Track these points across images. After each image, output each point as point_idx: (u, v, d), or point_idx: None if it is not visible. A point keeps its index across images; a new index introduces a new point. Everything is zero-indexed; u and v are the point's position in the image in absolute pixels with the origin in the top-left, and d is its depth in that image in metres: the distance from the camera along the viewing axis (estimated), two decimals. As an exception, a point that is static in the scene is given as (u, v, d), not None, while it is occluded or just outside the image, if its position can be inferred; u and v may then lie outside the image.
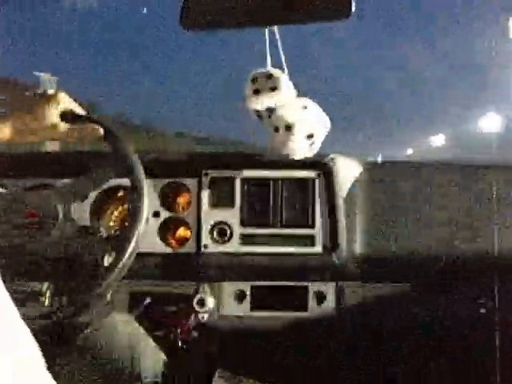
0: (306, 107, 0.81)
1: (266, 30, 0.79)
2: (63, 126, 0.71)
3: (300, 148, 0.82)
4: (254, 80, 0.80)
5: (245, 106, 0.82)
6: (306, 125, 0.80)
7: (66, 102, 0.71)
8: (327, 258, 0.96)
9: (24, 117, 0.68)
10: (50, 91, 0.71)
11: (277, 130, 0.80)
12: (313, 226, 0.97)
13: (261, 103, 0.79)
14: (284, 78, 0.80)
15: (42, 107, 0.69)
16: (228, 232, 0.98)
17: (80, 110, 0.74)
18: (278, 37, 0.79)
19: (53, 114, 0.69)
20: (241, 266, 0.99)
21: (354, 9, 0.73)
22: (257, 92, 0.79)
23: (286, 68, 0.80)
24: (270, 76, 0.79)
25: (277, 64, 0.80)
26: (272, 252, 0.98)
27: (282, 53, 0.79)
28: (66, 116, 0.72)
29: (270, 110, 0.80)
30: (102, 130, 0.74)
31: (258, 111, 0.81)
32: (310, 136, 0.81)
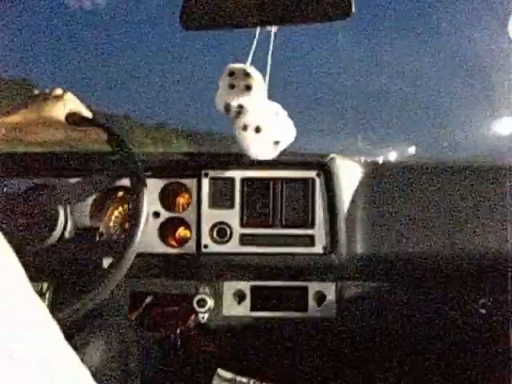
0: (277, 113, 0.82)
1: (258, 28, 0.79)
2: (68, 127, 0.71)
3: (264, 152, 0.83)
4: (231, 74, 0.80)
5: (215, 96, 0.82)
6: (274, 131, 0.81)
7: (72, 104, 0.71)
8: (327, 258, 0.96)
9: (30, 115, 0.68)
10: (58, 92, 0.71)
11: (245, 128, 0.81)
12: (313, 226, 0.97)
13: (233, 99, 0.80)
14: (260, 79, 0.80)
15: (48, 107, 0.69)
16: (228, 232, 0.98)
17: (86, 112, 0.74)
18: (272, 37, 0.79)
19: (59, 115, 0.69)
20: (241, 266, 0.99)
21: (354, 9, 0.73)
22: (231, 87, 0.80)
23: (268, 70, 0.80)
24: (247, 74, 0.80)
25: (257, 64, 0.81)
26: (272, 252, 0.98)
27: (270, 54, 0.79)
28: (72, 117, 0.72)
29: (240, 107, 0.81)
30: (105, 133, 0.74)
31: (227, 105, 0.81)
32: (277, 142, 0.82)
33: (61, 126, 0.70)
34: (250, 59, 0.80)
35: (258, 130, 0.80)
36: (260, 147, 0.83)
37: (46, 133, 0.70)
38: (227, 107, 0.81)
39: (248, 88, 0.80)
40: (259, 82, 0.80)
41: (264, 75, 0.81)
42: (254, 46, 0.79)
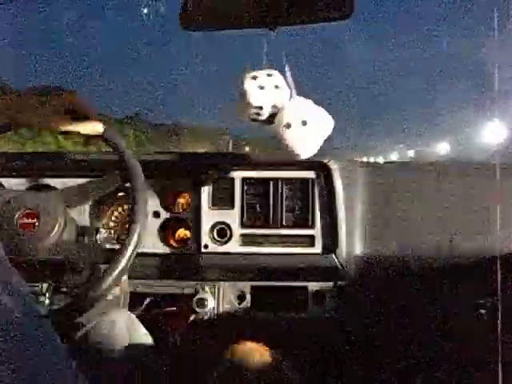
0: (313, 104, 0.79)
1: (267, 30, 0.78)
2: (67, 121, 0.73)
3: (313, 146, 0.80)
4: (254, 78, 0.78)
5: (242, 102, 0.79)
6: (319, 122, 0.78)
7: (73, 100, 0.74)
8: (327, 259, 0.96)
9: (30, 100, 0.71)
10: (61, 87, 0.74)
11: (289, 126, 0.78)
12: (312, 227, 0.97)
13: (266, 100, 0.77)
14: (283, 79, 0.79)
15: (51, 99, 0.72)
16: (228, 232, 0.98)
17: (85, 109, 0.76)
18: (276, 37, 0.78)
19: (59, 108, 0.72)
20: (241, 266, 0.99)
21: (354, 9, 0.73)
22: (262, 88, 0.77)
23: (287, 68, 0.79)
24: (270, 75, 0.79)
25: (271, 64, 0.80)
26: (272, 252, 0.98)
27: (284, 52, 0.78)
28: (71, 112, 0.73)
29: (275, 107, 0.79)
30: (102, 128, 0.75)
31: (260, 108, 0.79)
32: (323, 133, 0.79)
33: (60, 117, 0.73)
34: (265, 61, 0.79)
35: (304, 123, 0.77)
36: (308, 142, 0.79)
37: (44, 122, 0.73)
38: (259, 110, 0.78)
39: (277, 87, 0.78)
40: (283, 80, 0.79)
41: (284, 75, 0.80)
42: (265, 48, 0.78)
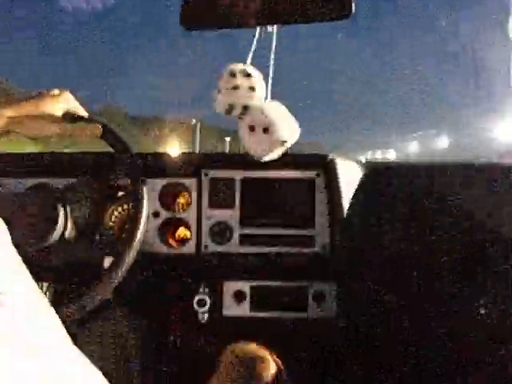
0: (283, 112, 0.81)
1: (258, 28, 0.78)
2: (64, 124, 0.73)
3: (272, 152, 0.82)
4: (232, 75, 0.79)
5: (216, 98, 0.81)
6: (282, 129, 0.80)
7: (69, 102, 0.73)
8: (327, 258, 0.96)
9: (28, 109, 0.70)
10: (56, 91, 0.73)
11: (253, 129, 0.79)
12: (312, 226, 0.97)
13: (238, 100, 0.79)
14: (261, 79, 0.80)
15: (46, 103, 0.71)
16: (228, 232, 0.98)
17: (82, 112, 0.75)
18: (274, 37, 0.79)
19: (56, 111, 0.72)
20: (240, 266, 0.99)
21: (353, 9, 0.73)
22: (235, 88, 0.78)
23: (271, 70, 0.80)
24: (249, 75, 0.79)
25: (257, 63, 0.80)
26: (272, 252, 0.98)
27: (272, 54, 0.79)
28: (69, 115, 0.73)
29: (245, 108, 0.80)
30: (101, 130, 0.75)
31: (231, 106, 0.80)
32: (283, 142, 0.81)
33: (57, 121, 0.72)
34: (249, 59, 0.79)
35: (265, 130, 0.79)
36: (267, 148, 0.81)
37: (42, 127, 0.72)
38: (230, 108, 0.80)
39: (252, 89, 0.79)
40: (261, 82, 0.80)
41: (266, 75, 0.80)
42: (253, 46, 0.78)
